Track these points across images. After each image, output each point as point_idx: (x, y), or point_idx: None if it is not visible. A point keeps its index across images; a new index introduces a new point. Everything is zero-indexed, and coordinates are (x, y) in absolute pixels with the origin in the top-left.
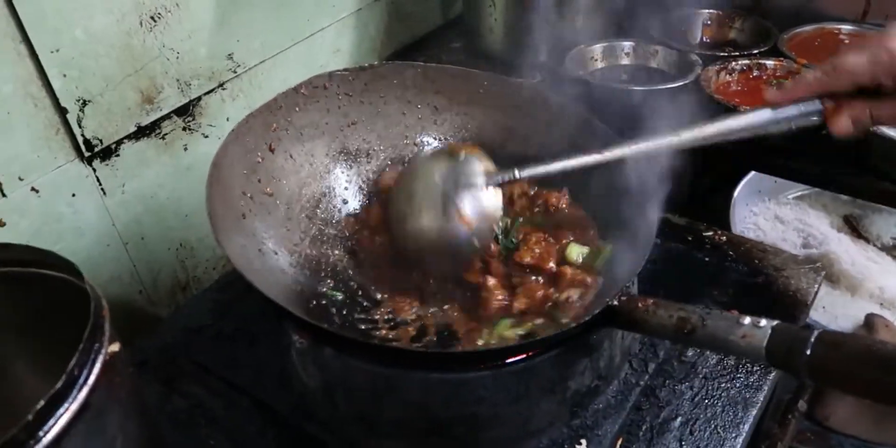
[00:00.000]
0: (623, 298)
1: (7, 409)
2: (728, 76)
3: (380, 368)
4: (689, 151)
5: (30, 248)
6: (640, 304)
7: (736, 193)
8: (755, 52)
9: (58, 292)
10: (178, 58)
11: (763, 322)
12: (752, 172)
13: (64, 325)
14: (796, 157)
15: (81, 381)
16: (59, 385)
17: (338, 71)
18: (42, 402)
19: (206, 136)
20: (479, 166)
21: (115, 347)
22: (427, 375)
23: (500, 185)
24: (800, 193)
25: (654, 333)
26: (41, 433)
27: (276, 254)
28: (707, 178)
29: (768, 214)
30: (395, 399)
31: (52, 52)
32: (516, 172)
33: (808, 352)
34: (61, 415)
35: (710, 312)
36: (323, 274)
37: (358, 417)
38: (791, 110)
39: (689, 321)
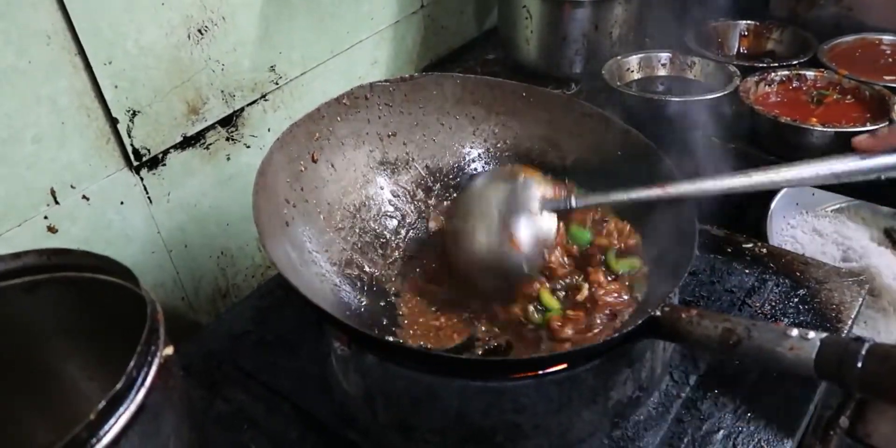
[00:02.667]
0: (666, 309)
1: (61, 409)
2: (767, 87)
3: (420, 376)
4: (729, 162)
5: (88, 253)
6: (683, 315)
7: (772, 205)
8: (794, 62)
9: (112, 297)
10: (223, 70)
11: (811, 334)
12: None
13: (116, 329)
14: None
15: (139, 382)
16: (118, 386)
17: (379, 82)
18: (103, 403)
19: (248, 147)
20: (537, 191)
21: (169, 351)
22: (468, 383)
23: (556, 211)
24: (838, 206)
25: (698, 345)
26: (101, 432)
27: (317, 261)
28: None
29: (806, 227)
30: (435, 407)
31: (105, 64)
32: (572, 201)
33: (860, 365)
34: (121, 415)
35: (755, 324)
36: (361, 283)
37: (397, 425)
38: (883, 160)
39: (734, 332)
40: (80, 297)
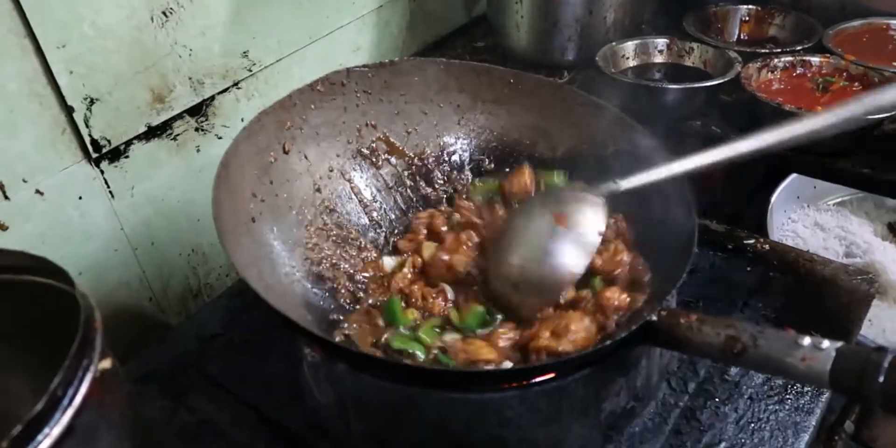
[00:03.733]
0: (663, 313)
1: (4, 427)
2: (770, 74)
3: (395, 386)
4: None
5: (23, 254)
6: (682, 320)
7: (773, 199)
8: (798, 48)
9: (54, 302)
10: (190, 55)
11: (825, 343)
12: (791, 176)
13: (62, 338)
14: (842, 158)
15: (66, 402)
16: (38, 407)
17: (357, 67)
18: (19, 427)
19: (220, 138)
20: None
21: (106, 364)
22: (447, 394)
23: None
24: (840, 199)
25: (699, 353)
26: None
27: (286, 261)
28: (743, 182)
29: (808, 221)
30: (412, 418)
31: (58, 47)
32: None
33: (882, 378)
34: (41, 441)
35: (762, 331)
36: (334, 283)
37: (372, 437)
38: None
39: (738, 340)
40: (17, 302)
